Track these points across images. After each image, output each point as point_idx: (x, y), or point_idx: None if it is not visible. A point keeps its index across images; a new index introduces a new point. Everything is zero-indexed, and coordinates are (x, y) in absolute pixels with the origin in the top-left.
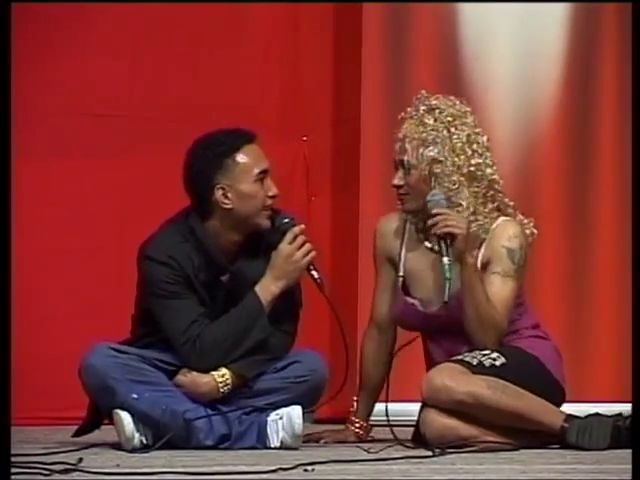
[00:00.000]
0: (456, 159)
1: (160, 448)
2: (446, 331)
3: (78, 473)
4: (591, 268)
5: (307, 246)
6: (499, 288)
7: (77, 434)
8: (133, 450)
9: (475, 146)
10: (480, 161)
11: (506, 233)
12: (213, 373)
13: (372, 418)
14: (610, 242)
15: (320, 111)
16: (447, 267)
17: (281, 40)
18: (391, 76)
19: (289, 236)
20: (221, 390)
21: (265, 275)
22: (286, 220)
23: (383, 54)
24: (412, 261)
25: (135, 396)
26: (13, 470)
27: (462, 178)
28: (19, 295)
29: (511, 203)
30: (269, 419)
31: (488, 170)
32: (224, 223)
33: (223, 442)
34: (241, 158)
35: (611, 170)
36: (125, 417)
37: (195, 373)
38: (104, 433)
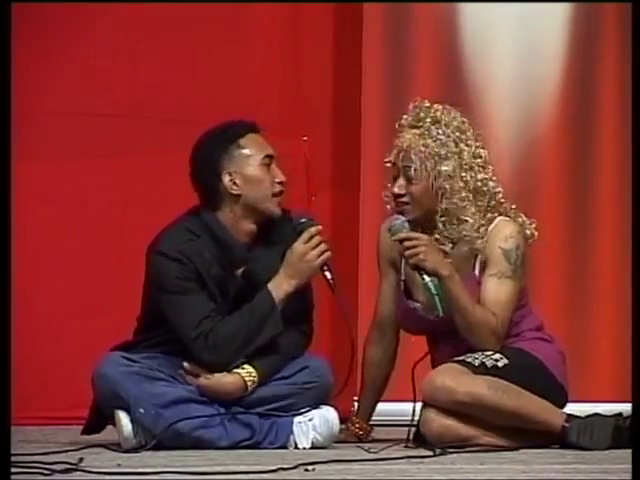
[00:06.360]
0: (464, 174)
1: (161, 448)
2: (449, 334)
3: (79, 473)
4: (591, 268)
5: (322, 246)
6: (495, 290)
7: (84, 432)
8: (131, 450)
9: (479, 160)
10: (486, 176)
11: (502, 234)
12: (239, 371)
13: (372, 418)
14: (610, 242)
15: (320, 111)
16: (430, 284)
17: (281, 40)
18: (391, 76)
19: (305, 235)
20: (249, 387)
21: (279, 273)
22: (303, 220)
23: (383, 54)
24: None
25: (142, 411)
26: (13, 470)
27: (469, 194)
28: (19, 295)
29: (513, 207)
30: (296, 421)
31: (491, 184)
32: (235, 212)
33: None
34: (245, 144)
35: (611, 170)
36: (124, 417)
37: (218, 374)
38: (105, 433)
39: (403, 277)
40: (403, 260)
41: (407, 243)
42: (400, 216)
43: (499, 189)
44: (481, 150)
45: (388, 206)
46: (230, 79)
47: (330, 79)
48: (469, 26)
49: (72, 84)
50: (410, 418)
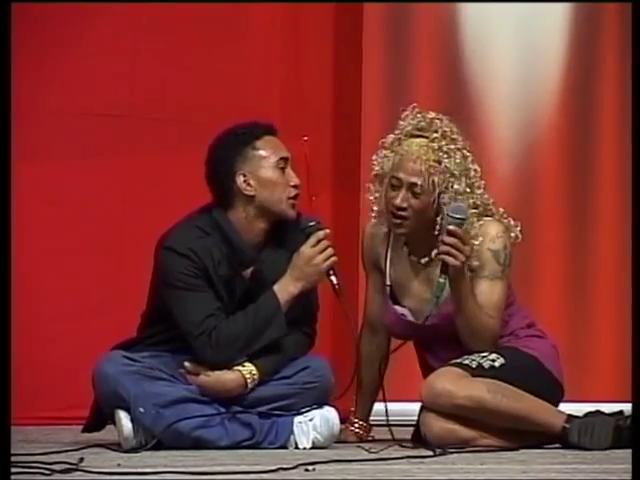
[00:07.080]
0: (470, 193)
1: (161, 448)
2: (439, 339)
3: (79, 473)
4: (591, 268)
5: (329, 251)
6: (489, 292)
7: (84, 430)
8: (131, 450)
9: (479, 176)
10: (484, 193)
11: (489, 235)
12: (239, 368)
13: (372, 418)
14: (610, 242)
15: (320, 111)
16: (440, 284)
17: (281, 40)
18: (391, 76)
19: (312, 239)
20: (249, 385)
21: (285, 275)
22: (312, 223)
23: (383, 54)
24: (398, 270)
25: (142, 410)
26: (13, 470)
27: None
28: (19, 295)
29: (501, 210)
30: (296, 421)
31: (485, 197)
32: (248, 213)
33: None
34: (261, 146)
35: (611, 170)
36: (124, 417)
37: (219, 372)
38: (105, 433)
39: (389, 282)
40: (387, 266)
41: (455, 241)
42: (463, 205)
43: (490, 201)
44: (476, 165)
45: (373, 213)
46: (230, 79)
47: (330, 79)
48: (469, 26)
49: (72, 84)
50: (411, 419)
